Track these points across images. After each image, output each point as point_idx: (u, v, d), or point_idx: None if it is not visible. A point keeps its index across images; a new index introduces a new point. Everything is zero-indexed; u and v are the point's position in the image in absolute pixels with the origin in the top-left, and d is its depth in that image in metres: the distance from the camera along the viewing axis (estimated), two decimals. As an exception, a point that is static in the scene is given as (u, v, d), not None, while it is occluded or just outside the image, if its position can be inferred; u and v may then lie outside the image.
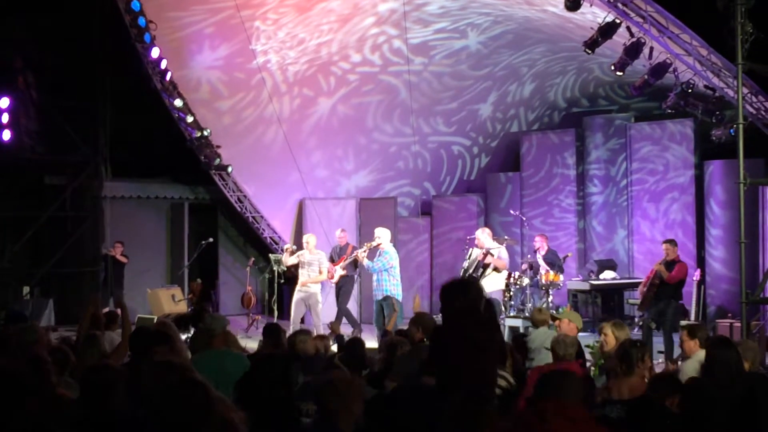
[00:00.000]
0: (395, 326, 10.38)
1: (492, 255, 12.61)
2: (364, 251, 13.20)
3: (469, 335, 5.12)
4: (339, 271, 14.08)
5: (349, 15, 15.00)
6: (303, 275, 13.58)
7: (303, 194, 17.30)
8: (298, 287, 13.60)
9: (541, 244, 14.51)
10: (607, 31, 11.86)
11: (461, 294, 5.28)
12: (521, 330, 12.19)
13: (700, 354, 6.87)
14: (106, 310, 15.19)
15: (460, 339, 5.13)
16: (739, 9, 9.78)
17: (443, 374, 5.16)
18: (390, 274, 12.82)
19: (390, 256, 12.91)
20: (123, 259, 16.52)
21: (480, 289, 5.42)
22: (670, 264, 11.88)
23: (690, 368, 6.87)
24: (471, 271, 12.57)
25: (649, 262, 15.27)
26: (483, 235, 13.05)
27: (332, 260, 14.20)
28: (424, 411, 4.49)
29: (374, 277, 13.06)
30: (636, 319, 14.30)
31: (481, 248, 12.81)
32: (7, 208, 16.01)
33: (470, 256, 12.96)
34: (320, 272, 13.58)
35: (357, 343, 7.86)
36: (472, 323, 5.17)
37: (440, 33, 15.74)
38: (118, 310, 8.63)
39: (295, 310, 13.49)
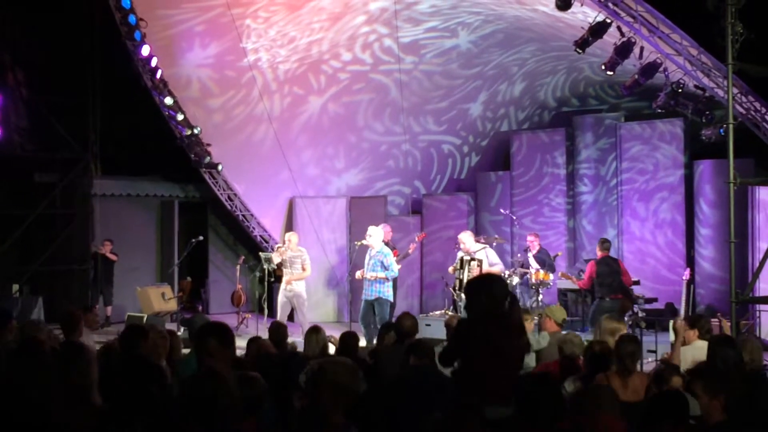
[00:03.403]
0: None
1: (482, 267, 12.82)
2: (357, 245, 13.34)
3: (492, 342, 5.08)
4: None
5: (340, 13, 14.99)
6: (286, 273, 13.58)
7: (293, 192, 17.29)
8: (282, 286, 13.61)
9: (532, 243, 14.56)
10: (597, 30, 11.89)
11: (485, 293, 5.23)
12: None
13: (698, 343, 7.33)
14: (96, 307, 15.33)
15: (484, 346, 5.10)
16: (729, 9, 9.83)
17: (466, 379, 5.14)
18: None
19: (389, 256, 12.90)
20: (112, 257, 16.47)
21: (504, 287, 5.37)
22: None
23: (689, 354, 7.16)
24: None
25: (638, 261, 15.37)
26: (467, 238, 13.22)
27: None
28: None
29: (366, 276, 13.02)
30: (626, 318, 14.31)
31: (466, 252, 13.01)
32: (-4, 206, 15.95)
33: (460, 262, 13.12)
34: (303, 269, 13.57)
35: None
36: (497, 328, 5.13)
37: (431, 32, 15.75)
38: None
39: (282, 310, 13.49)
